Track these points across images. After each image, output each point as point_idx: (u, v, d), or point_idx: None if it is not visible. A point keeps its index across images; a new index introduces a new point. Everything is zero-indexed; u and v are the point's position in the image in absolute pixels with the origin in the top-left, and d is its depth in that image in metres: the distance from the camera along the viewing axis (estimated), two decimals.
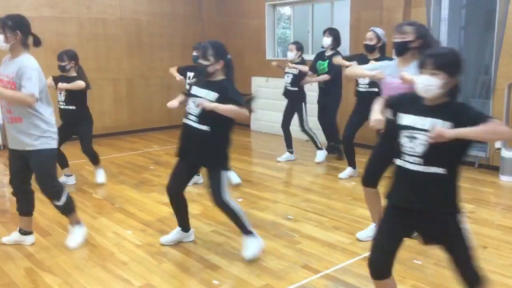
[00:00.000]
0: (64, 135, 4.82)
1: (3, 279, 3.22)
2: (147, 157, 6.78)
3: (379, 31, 5.02)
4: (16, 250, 3.67)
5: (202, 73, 3.44)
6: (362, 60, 4.89)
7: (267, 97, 7.86)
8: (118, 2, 8.20)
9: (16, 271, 3.33)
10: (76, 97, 5.02)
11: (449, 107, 2.17)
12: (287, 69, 6.19)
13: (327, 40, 5.99)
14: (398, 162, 2.28)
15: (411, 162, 2.19)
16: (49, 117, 3.47)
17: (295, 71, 6.04)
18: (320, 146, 6.28)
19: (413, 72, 2.85)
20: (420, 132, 2.17)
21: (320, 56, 6.17)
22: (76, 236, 3.77)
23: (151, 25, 8.62)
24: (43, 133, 3.43)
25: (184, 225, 3.76)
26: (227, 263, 3.42)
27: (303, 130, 6.21)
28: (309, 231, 4.01)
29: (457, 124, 2.08)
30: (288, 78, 6.15)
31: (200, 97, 3.32)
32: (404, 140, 2.23)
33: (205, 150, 3.36)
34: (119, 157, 6.73)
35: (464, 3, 6.87)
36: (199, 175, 5.21)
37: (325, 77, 5.99)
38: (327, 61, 6.01)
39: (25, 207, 3.71)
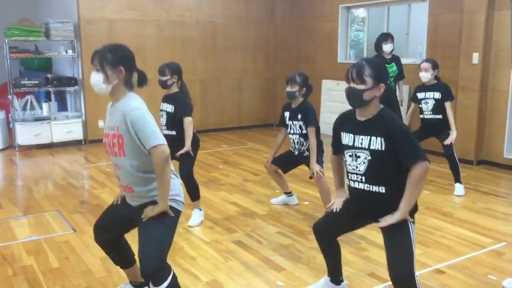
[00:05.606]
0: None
1: (81, 266, 3.44)
2: (216, 156, 6.94)
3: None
4: (92, 240, 3.88)
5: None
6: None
7: (338, 101, 7.78)
8: (196, 6, 8.46)
9: (92, 259, 3.54)
10: (176, 122, 4.15)
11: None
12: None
13: (391, 46, 6.26)
14: None
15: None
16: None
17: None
18: None
19: None
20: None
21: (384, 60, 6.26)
22: None
23: (226, 27, 8.82)
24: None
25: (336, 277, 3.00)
26: (291, 265, 3.43)
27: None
28: (377, 238, 3.91)
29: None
30: None
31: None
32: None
33: None
34: None
35: None
36: (292, 195, 4.80)
37: None
38: (393, 63, 6.32)
39: None
